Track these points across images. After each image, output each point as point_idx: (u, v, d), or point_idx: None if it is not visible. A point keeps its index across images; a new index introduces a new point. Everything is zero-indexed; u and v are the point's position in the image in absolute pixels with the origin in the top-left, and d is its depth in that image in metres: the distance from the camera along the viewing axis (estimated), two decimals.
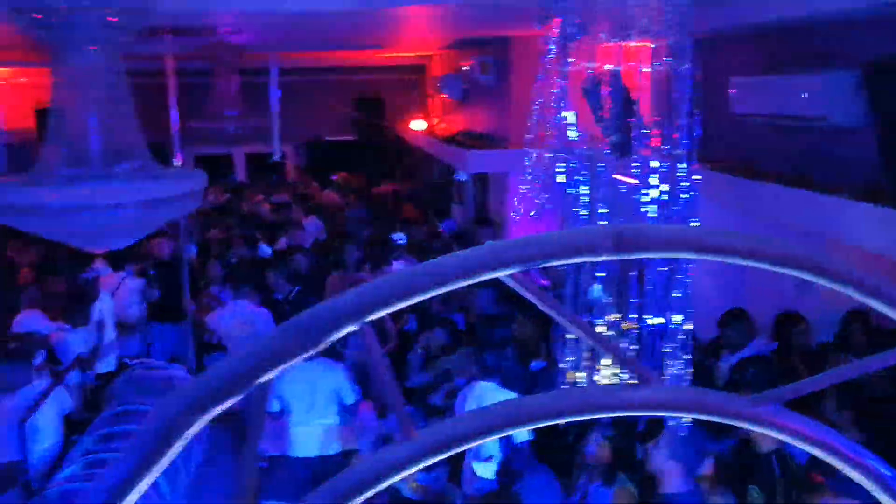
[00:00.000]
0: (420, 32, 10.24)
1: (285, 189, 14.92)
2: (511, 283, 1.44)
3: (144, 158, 4.34)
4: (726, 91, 6.70)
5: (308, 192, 14.61)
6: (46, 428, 5.44)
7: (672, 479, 4.21)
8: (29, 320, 6.71)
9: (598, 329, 3.62)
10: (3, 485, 5.03)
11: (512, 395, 5.56)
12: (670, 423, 3.93)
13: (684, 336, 3.51)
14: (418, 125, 14.02)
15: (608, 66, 5.10)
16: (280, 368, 1.38)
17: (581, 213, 4.21)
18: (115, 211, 3.88)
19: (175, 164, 8.40)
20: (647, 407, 1.49)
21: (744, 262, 1.40)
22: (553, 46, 5.96)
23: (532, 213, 6.20)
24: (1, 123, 11.91)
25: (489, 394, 5.50)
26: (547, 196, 6.34)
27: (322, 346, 1.42)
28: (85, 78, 4.16)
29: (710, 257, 1.46)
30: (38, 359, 6.29)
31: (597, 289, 4.03)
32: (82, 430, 5.72)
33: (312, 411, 5.98)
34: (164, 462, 1.41)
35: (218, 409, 1.43)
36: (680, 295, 3.53)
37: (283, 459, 6.25)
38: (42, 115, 13.55)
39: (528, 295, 1.46)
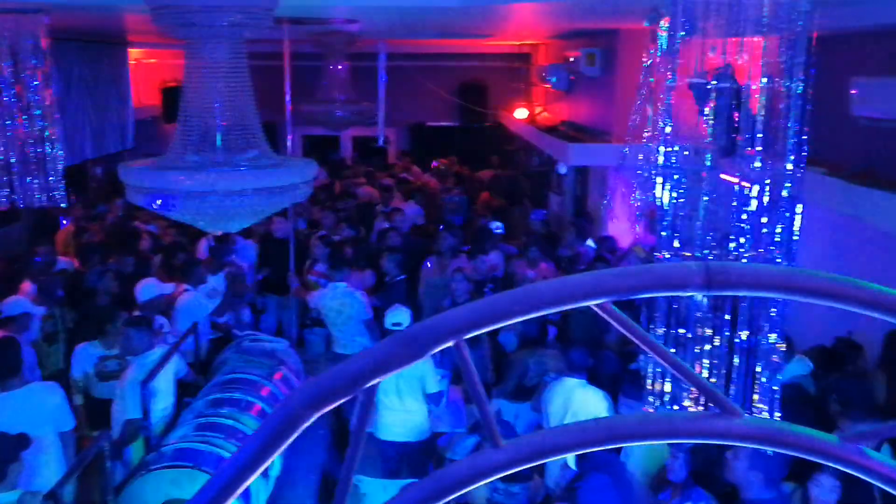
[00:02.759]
0: (527, 24, 10.29)
1: (387, 172, 15.24)
2: (601, 313, 1.57)
3: (263, 148, 4.61)
4: (845, 92, 6.49)
5: (408, 176, 14.89)
6: (164, 390, 5.85)
7: (754, 487, 4.23)
8: (151, 287, 7.16)
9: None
10: (128, 439, 5.47)
11: (598, 392, 5.64)
12: None
13: (777, 356, 3.51)
14: (521, 113, 14.08)
15: (718, 64, 5.07)
16: (387, 375, 1.56)
17: (673, 214, 4.21)
18: (236, 197, 4.16)
19: (288, 144, 8.73)
20: (730, 437, 1.59)
21: (837, 306, 1.48)
22: (662, 42, 5.94)
23: (631, 211, 6.22)
24: (133, 101, 12.60)
25: (575, 391, 5.60)
26: (645, 193, 6.34)
27: (423, 358, 1.59)
28: (213, 72, 4.45)
29: (802, 299, 1.55)
30: (156, 323, 6.75)
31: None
32: (193, 394, 6.13)
33: (398, 397, 6.17)
34: (281, 450, 1.62)
35: (330, 407, 1.63)
36: (775, 312, 3.52)
37: (368, 437, 6.50)
38: (167, 93, 14.31)
39: (615, 323, 1.59)
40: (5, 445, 4.29)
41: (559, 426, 1.66)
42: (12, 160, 6.71)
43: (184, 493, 4.76)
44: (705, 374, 3.56)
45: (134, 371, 5.78)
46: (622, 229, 9.98)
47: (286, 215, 8.49)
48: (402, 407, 6.22)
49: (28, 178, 6.72)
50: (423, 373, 6.26)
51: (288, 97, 8.17)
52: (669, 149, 4.77)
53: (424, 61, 15.31)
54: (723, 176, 4.57)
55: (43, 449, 5.12)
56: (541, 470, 5.37)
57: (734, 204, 4.18)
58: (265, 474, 5.31)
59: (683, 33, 5.51)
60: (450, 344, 1.55)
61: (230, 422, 5.48)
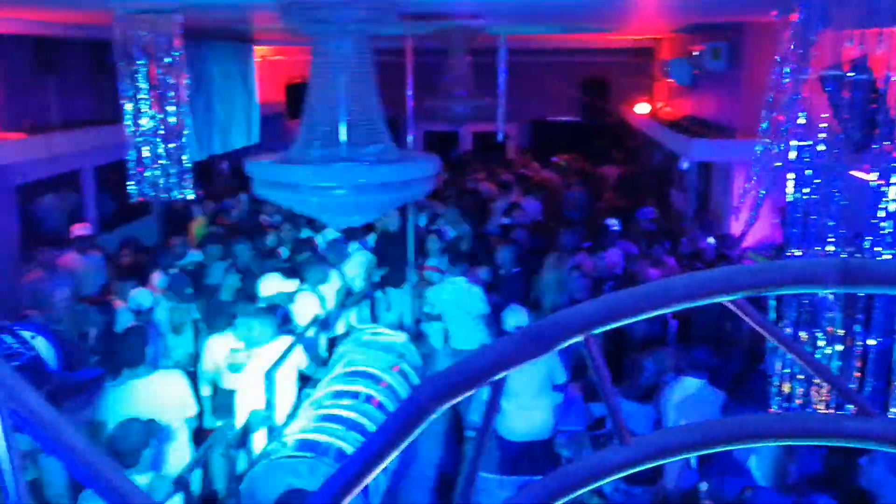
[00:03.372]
0: (651, 17, 10.07)
1: (506, 168, 15.21)
2: (733, 308, 1.51)
3: (386, 142, 4.68)
4: None
5: (528, 172, 14.82)
6: (286, 381, 6.02)
7: (889, 492, 3.99)
8: (274, 282, 7.39)
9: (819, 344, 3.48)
10: (251, 429, 5.66)
11: (719, 394, 5.45)
12: None
13: None
14: (642, 108, 13.79)
15: (853, 56, 4.83)
16: (513, 369, 1.55)
17: (804, 211, 4.03)
18: (360, 191, 4.24)
19: (409, 140, 8.82)
20: (868, 439, 1.51)
21: None
22: (793, 34, 5.71)
23: (756, 209, 5.99)
24: (258, 98, 13.01)
25: (695, 391, 5.43)
26: (775, 190, 6.09)
27: (550, 353, 1.57)
28: (339, 68, 4.54)
29: None
30: (279, 317, 6.95)
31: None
32: (314, 385, 6.28)
33: (526, 396, 6.10)
34: (408, 441, 1.64)
35: (455, 401, 1.63)
36: None
37: (492, 434, 6.49)
38: (291, 89, 14.74)
39: (748, 320, 1.53)
40: (138, 431, 4.51)
41: (688, 424, 1.61)
42: (146, 155, 7.06)
43: (304, 482, 4.86)
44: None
45: (257, 362, 5.97)
46: (751, 227, 9.63)
47: (405, 210, 8.58)
48: (528, 403, 6.15)
49: (159, 172, 7.05)
50: (551, 365, 6.20)
51: (410, 92, 8.25)
52: (800, 143, 4.58)
53: (546, 56, 15.20)
54: (855, 172, 4.36)
55: (170, 434, 5.35)
56: (660, 472, 5.24)
57: (869, 201, 3.98)
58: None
59: (816, 25, 5.28)
60: (579, 339, 1.53)
61: (349, 413, 5.57)
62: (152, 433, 4.56)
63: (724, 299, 1.48)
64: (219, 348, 6.64)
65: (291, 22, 4.66)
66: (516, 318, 6.42)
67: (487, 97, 11.22)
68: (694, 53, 10.90)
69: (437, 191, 11.99)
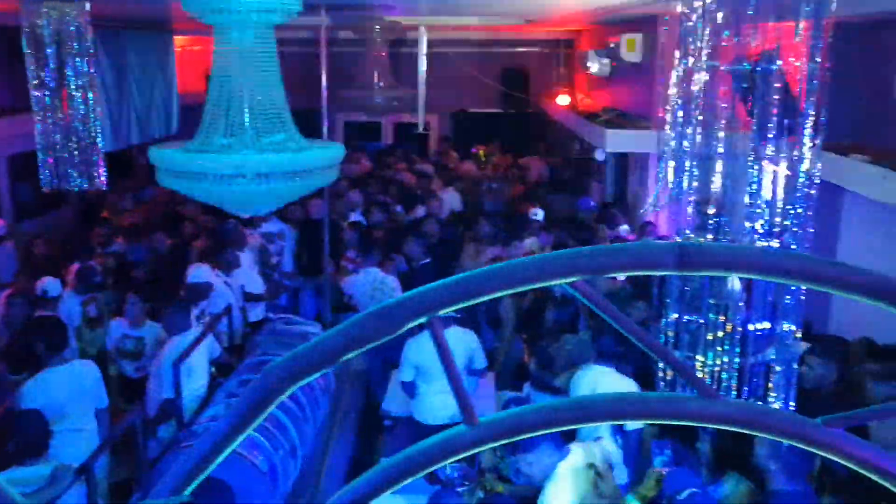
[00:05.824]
0: (568, 7, 10.19)
1: (426, 158, 15.23)
2: (572, 291, 1.57)
3: (291, 131, 4.67)
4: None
5: (447, 162, 14.87)
6: (198, 370, 5.99)
7: (777, 477, 4.15)
8: (201, 272, 7.32)
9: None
10: (161, 418, 5.62)
11: (627, 380, 5.56)
12: None
13: (791, 344, 3.44)
14: (563, 100, 13.96)
15: (758, 47, 4.99)
16: (363, 349, 1.59)
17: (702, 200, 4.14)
18: (262, 180, 4.23)
19: (324, 130, 8.78)
20: (706, 419, 1.59)
21: (814, 287, 1.45)
22: (699, 24, 5.86)
23: (662, 199, 6.13)
24: (178, 88, 12.75)
25: (604, 378, 5.52)
26: (679, 180, 6.23)
27: (397, 334, 1.61)
28: (241, 57, 4.51)
29: (773, 279, 1.53)
30: (197, 308, 6.89)
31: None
32: (227, 374, 6.26)
33: (444, 380, 6.12)
34: (261, 420, 1.66)
35: (306, 380, 1.67)
36: (790, 298, 3.45)
37: (407, 421, 6.53)
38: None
39: (587, 302, 1.60)
40: (34, 421, 4.44)
41: (534, 406, 1.67)
42: (56, 144, 6.87)
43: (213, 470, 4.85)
44: (719, 361, 3.52)
45: (170, 351, 5.92)
46: (661, 217, 9.86)
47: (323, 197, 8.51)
48: (446, 387, 6.19)
49: (69, 161, 6.87)
50: (471, 349, 6.36)
51: (324, 83, 8.20)
52: (688, 131, 4.70)
53: (466, 47, 15.26)
54: (751, 160, 4.50)
55: (80, 425, 5.28)
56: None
57: (754, 188, 4.11)
58: (293, 454, 5.39)
59: (718, 15, 5.43)
60: (423, 320, 1.57)
61: None
62: (49, 422, 4.51)
63: (563, 281, 1.54)
64: (116, 334, 6.61)
65: (193, 10, 4.61)
66: None
67: (407, 88, 11.24)
68: (611, 45, 11.06)
69: (359, 181, 11.98)
